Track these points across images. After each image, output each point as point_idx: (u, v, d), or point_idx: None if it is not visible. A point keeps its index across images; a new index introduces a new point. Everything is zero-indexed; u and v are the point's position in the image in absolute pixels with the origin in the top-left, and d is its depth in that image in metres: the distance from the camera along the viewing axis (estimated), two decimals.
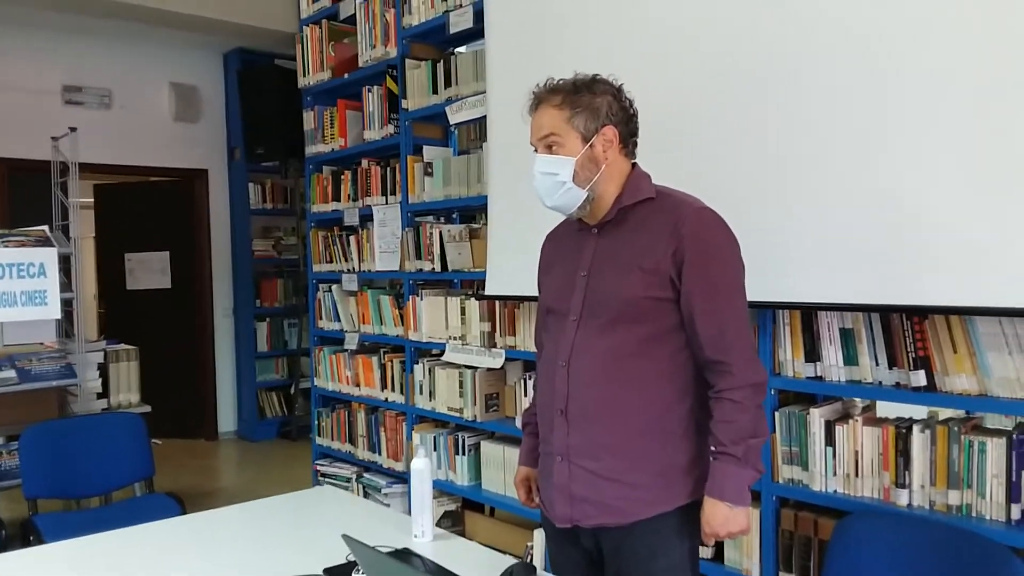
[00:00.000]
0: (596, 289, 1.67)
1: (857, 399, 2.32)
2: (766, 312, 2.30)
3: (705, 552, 2.48)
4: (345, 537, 1.40)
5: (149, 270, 6.47)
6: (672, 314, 1.63)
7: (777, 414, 2.29)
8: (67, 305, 3.59)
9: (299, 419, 6.17)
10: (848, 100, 2.04)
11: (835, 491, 2.17)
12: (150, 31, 5.61)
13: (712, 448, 1.61)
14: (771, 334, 2.31)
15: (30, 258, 3.38)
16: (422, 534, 1.94)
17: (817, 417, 2.21)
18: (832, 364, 2.19)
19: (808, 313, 2.23)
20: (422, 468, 1.95)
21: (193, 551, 1.93)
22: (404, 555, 1.81)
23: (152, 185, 6.42)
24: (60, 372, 3.56)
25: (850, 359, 2.16)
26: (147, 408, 3.94)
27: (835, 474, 2.17)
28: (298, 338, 6.37)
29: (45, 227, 3.61)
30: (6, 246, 3.36)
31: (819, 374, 2.23)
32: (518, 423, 2.78)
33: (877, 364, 2.11)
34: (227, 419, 6.52)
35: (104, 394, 3.88)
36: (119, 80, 5.85)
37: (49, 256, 3.44)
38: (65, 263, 3.58)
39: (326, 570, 1.72)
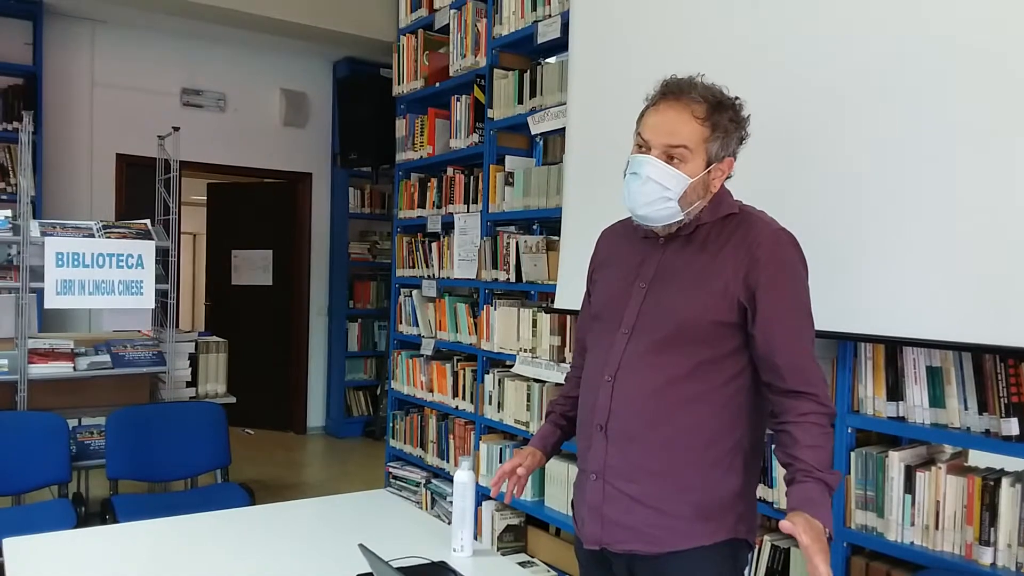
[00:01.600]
0: (654, 304, 1.57)
1: (946, 445, 2.13)
2: (846, 344, 2.14)
3: None
4: (361, 547, 1.37)
5: (253, 267, 6.75)
6: (733, 339, 1.53)
7: (853, 454, 2.13)
8: (163, 296, 3.76)
9: (382, 419, 6.25)
10: (945, 119, 1.87)
11: (912, 543, 1.99)
12: (264, 39, 5.86)
13: (796, 469, 1.46)
14: (851, 368, 2.15)
15: (130, 249, 3.56)
16: (461, 548, 1.91)
17: (897, 461, 2.04)
18: (916, 405, 2.02)
19: (893, 348, 2.06)
20: (465, 481, 1.92)
21: (240, 541, 1.97)
22: (438, 568, 1.77)
23: (259, 186, 6.70)
24: (152, 359, 3.73)
25: (936, 400, 1.98)
26: (232, 399, 4.08)
27: (913, 524, 1.99)
28: (386, 340, 6.48)
29: (147, 221, 3.79)
30: (109, 237, 3.55)
31: (901, 414, 2.06)
32: None
33: (966, 408, 1.92)
34: (316, 414, 6.70)
35: (193, 383, 4.04)
36: (234, 84, 6.13)
37: (147, 249, 3.61)
38: (163, 256, 3.75)
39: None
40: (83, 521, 2.96)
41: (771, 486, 2.32)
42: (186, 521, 2.10)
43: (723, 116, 1.51)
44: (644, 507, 1.55)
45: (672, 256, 1.59)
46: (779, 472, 2.29)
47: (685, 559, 1.55)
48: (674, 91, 1.52)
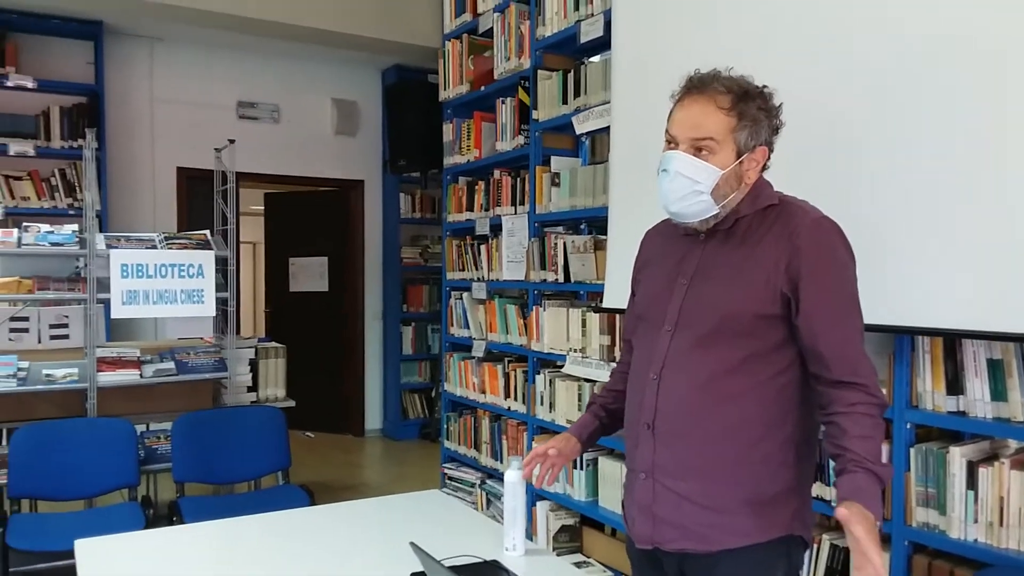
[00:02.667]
0: (696, 300, 1.56)
1: (1011, 440, 2.06)
2: (903, 338, 2.10)
3: None
4: (412, 545, 1.40)
5: (310, 274, 6.90)
6: (779, 331, 1.50)
7: (913, 450, 2.08)
8: (223, 304, 3.87)
9: (438, 421, 6.32)
10: (1001, 108, 1.82)
11: (975, 540, 1.94)
12: (315, 50, 5.99)
13: (846, 459, 1.42)
14: (908, 362, 2.10)
15: (190, 259, 3.67)
16: (513, 547, 1.92)
17: (958, 457, 1.98)
18: (977, 399, 1.97)
19: (951, 341, 2.01)
20: (515, 481, 1.93)
21: (300, 540, 2.02)
22: (491, 567, 1.79)
23: (314, 194, 6.84)
24: (214, 366, 3.85)
25: (998, 394, 1.93)
26: (291, 403, 4.18)
27: (976, 521, 1.94)
28: (440, 343, 6.55)
29: (206, 231, 3.91)
30: (170, 248, 3.67)
31: (962, 408, 2.00)
32: None
33: None
34: (374, 417, 6.81)
35: (254, 388, 4.15)
36: (287, 96, 6.28)
37: (207, 258, 3.72)
38: (222, 265, 3.87)
39: (413, 575, 1.74)
40: (151, 523, 3.06)
41: (828, 484, 2.28)
42: (249, 521, 2.16)
43: (750, 105, 1.49)
44: (694, 505, 1.54)
45: (712, 251, 1.57)
46: None
47: (738, 557, 1.53)
48: (697, 85, 1.51)
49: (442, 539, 1.92)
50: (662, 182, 1.53)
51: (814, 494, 2.25)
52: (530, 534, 3.54)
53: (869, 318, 1.68)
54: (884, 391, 2.09)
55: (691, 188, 1.50)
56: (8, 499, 3.17)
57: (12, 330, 3.68)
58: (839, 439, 1.44)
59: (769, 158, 1.55)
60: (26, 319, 3.71)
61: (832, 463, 2.21)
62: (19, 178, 5.19)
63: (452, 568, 1.66)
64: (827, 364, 1.47)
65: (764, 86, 1.53)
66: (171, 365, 3.74)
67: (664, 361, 1.57)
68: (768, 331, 1.51)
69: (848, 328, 1.48)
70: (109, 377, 3.56)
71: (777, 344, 1.51)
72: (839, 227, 1.52)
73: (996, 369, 1.92)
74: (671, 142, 1.53)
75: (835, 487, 1.45)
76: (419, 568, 1.72)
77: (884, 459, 1.51)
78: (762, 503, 1.53)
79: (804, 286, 1.46)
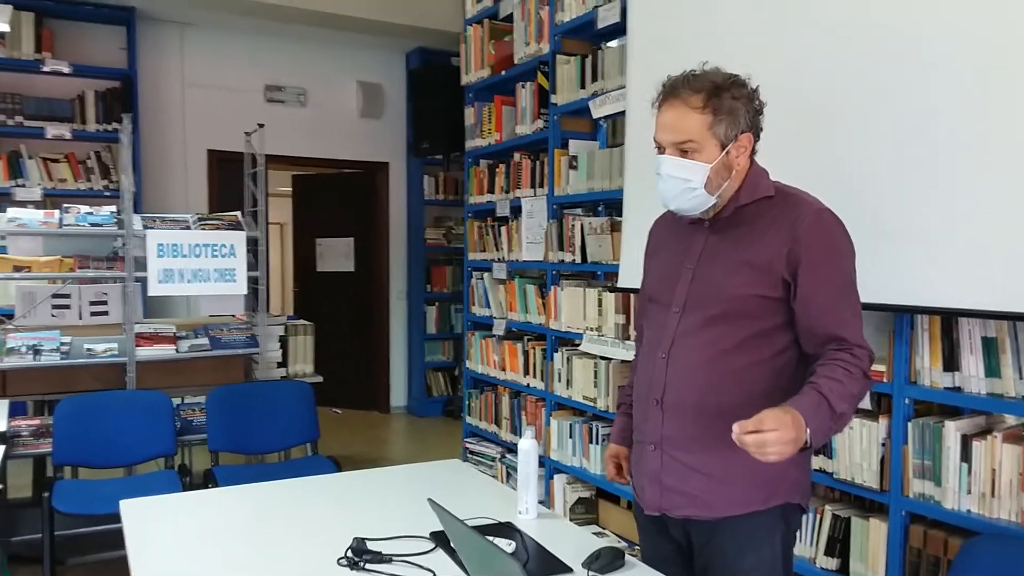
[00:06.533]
0: (702, 282, 1.66)
1: (1008, 415, 2.14)
2: (903, 316, 2.18)
3: (830, 563, 2.40)
4: (430, 501, 1.52)
5: (336, 254, 7.05)
6: (779, 313, 1.60)
7: (910, 424, 2.17)
8: (253, 283, 4.02)
9: (460, 399, 6.46)
10: (999, 90, 1.88)
11: (968, 510, 2.03)
12: (341, 35, 6.09)
13: (807, 385, 1.50)
14: (908, 340, 2.19)
15: (223, 240, 3.82)
16: (526, 511, 2.03)
17: (953, 431, 2.07)
18: (972, 375, 2.05)
19: (948, 319, 2.09)
20: (528, 448, 2.04)
21: (327, 503, 2.15)
22: (504, 527, 1.91)
23: (340, 176, 6.98)
24: (245, 342, 4.00)
25: (992, 371, 2.00)
26: (319, 378, 4.33)
27: (969, 492, 2.03)
28: (463, 322, 6.67)
29: (237, 212, 4.06)
30: (203, 229, 3.82)
31: (957, 385, 2.08)
32: None
33: (1021, 377, 1.94)
34: (399, 394, 6.97)
35: (283, 363, 4.31)
36: (313, 80, 6.40)
37: (239, 239, 3.87)
38: (253, 245, 4.01)
39: (432, 533, 1.86)
40: (188, 489, 3.23)
41: (831, 457, 2.37)
42: (280, 486, 2.31)
43: (723, 98, 1.56)
44: (700, 475, 1.65)
45: (717, 237, 1.67)
46: (839, 443, 2.35)
47: (739, 523, 1.64)
48: (670, 91, 1.60)
49: (460, 503, 2.03)
50: (658, 185, 1.65)
51: (816, 467, 2.36)
52: (548, 506, 3.68)
53: (871, 297, 1.77)
54: (884, 368, 2.19)
55: (684, 186, 1.61)
56: (53, 466, 3.35)
57: (55, 307, 3.86)
58: (809, 377, 1.53)
59: (758, 140, 1.64)
60: (68, 296, 3.88)
61: (837, 437, 2.32)
62: (56, 160, 5.37)
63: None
64: (821, 342, 1.57)
65: (735, 75, 1.60)
66: (205, 341, 3.90)
67: (672, 340, 1.68)
68: (769, 313, 1.60)
69: (843, 311, 1.56)
70: (147, 352, 3.73)
71: (778, 325, 1.61)
72: (839, 218, 1.60)
73: (990, 347, 2.00)
74: (658, 148, 1.64)
75: None
76: (439, 528, 1.84)
77: (849, 418, 1.52)
78: (763, 474, 1.62)
79: (802, 271, 1.55)
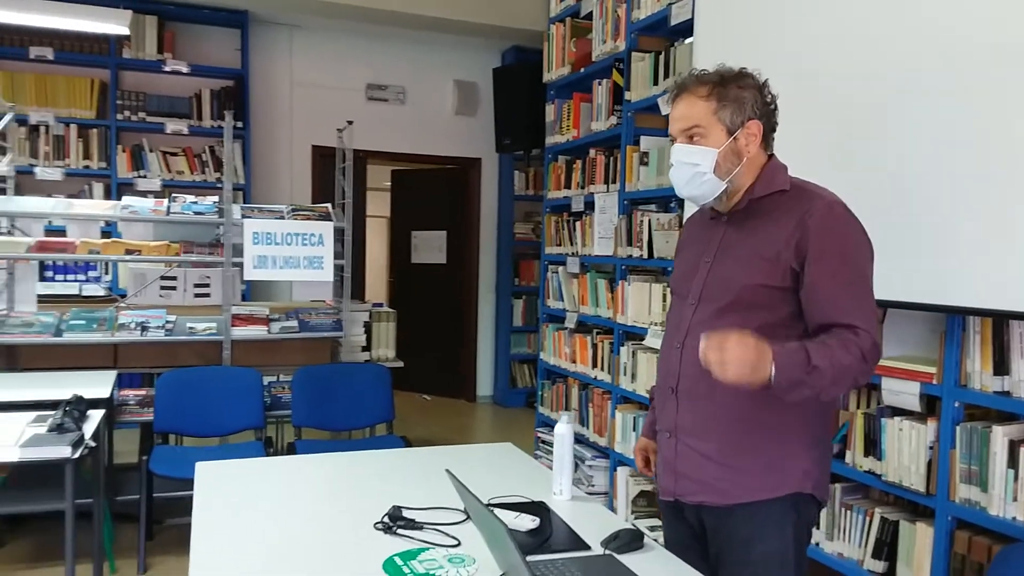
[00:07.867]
0: (716, 275, 1.71)
1: None
2: (955, 318, 2.13)
3: (877, 566, 2.37)
4: (448, 472, 1.64)
5: (430, 247, 7.30)
6: (789, 304, 1.63)
7: (959, 428, 2.12)
8: (339, 271, 4.26)
9: None
10: None
11: (1014, 518, 1.97)
12: (438, 36, 6.32)
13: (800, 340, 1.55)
14: (959, 342, 2.14)
15: (312, 229, 4.08)
16: (560, 492, 2.12)
17: (1000, 436, 2.02)
18: (1021, 379, 1.99)
19: (1000, 322, 2.03)
20: (564, 433, 2.13)
21: (388, 473, 2.30)
22: (535, 505, 2.01)
23: (435, 172, 7.22)
24: (331, 326, 4.25)
25: None
26: (400, 363, 4.55)
27: (1015, 499, 1.97)
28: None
29: (328, 204, 4.31)
30: (295, 219, 4.09)
31: (1007, 389, 2.03)
32: None
33: None
34: (485, 384, 7.16)
35: (368, 348, 4.55)
36: (412, 78, 6.66)
37: (327, 229, 4.12)
38: (340, 235, 4.25)
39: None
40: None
41: (880, 458, 2.34)
42: (337, 457, 2.48)
43: (728, 87, 1.63)
44: (712, 463, 1.70)
45: (732, 231, 1.72)
46: (887, 444, 2.32)
47: (749, 510, 1.68)
48: (678, 88, 1.69)
49: (501, 482, 2.15)
50: (671, 173, 1.72)
51: (866, 468, 2.34)
52: (611, 499, 3.74)
53: (922, 298, 1.73)
54: (934, 370, 2.15)
55: (693, 171, 1.66)
56: (153, 433, 3.68)
57: (162, 288, 4.22)
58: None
59: (772, 132, 1.68)
60: (174, 278, 4.24)
61: (885, 438, 2.29)
62: (175, 154, 5.83)
63: (502, 504, 1.90)
64: (827, 331, 1.57)
65: (742, 68, 1.66)
66: (294, 323, 4.17)
67: (687, 330, 1.73)
68: (780, 303, 1.64)
69: (849, 302, 1.57)
70: (242, 332, 4.03)
71: (788, 316, 1.64)
72: (852, 213, 1.62)
73: None
74: (672, 141, 1.71)
75: None
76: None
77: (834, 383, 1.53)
78: (775, 463, 1.66)
79: (810, 261, 1.58)
